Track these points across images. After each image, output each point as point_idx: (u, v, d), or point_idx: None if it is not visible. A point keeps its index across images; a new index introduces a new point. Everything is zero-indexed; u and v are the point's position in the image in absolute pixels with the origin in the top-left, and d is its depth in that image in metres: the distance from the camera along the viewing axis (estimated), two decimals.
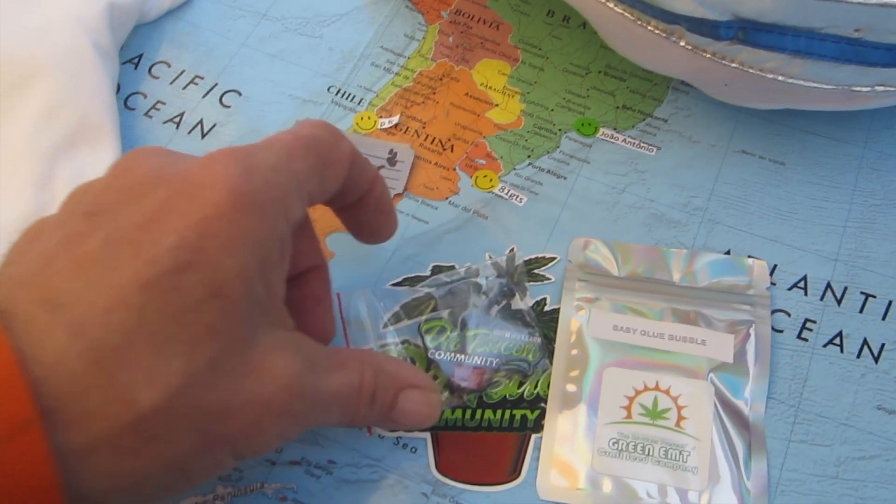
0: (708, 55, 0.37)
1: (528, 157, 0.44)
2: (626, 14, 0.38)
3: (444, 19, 0.49)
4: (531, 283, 0.40)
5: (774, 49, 0.35)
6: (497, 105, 0.46)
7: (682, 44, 0.38)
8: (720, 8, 0.34)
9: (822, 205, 0.42)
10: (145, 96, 0.46)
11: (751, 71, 0.37)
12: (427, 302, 0.38)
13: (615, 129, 0.45)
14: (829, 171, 0.43)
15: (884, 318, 0.39)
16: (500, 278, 0.39)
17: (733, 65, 0.37)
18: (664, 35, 0.38)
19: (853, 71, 0.36)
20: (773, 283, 0.40)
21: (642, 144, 0.44)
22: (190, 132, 0.45)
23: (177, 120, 0.45)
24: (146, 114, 0.45)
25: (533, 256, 0.41)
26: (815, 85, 0.37)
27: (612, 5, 0.38)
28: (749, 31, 0.35)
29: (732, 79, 0.38)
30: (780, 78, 0.37)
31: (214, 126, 0.45)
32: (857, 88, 0.37)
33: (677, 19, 0.36)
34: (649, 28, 0.38)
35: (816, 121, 0.45)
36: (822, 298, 0.40)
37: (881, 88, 0.37)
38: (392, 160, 0.43)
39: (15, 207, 0.39)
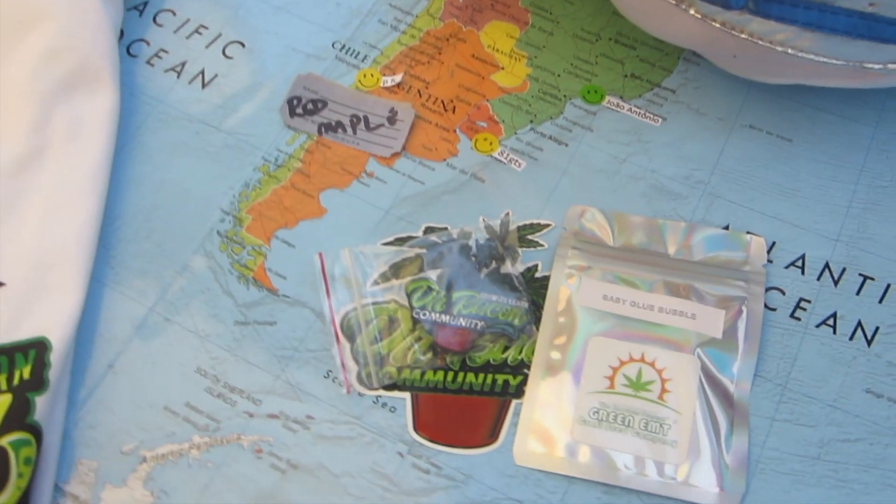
0: (717, 24, 0.36)
1: (531, 122, 0.43)
2: None
3: None
4: (524, 249, 0.39)
5: (785, 21, 0.34)
6: (503, 68, 0.45)
7: (692, 12, 0.37)
8: None
9: (828, 184, 0.41)
10: (148, 44, 0.46)
11: (760, 43, 0.36)
12: (415, 262, 0.38)
13: (622, 97, 0.44)
14: (838, 149, 0.42)
15: (881, 301, 0.38)
16: (492, 242, 0.39)
17: (742, 35, 0.36)
18: (674, 2, 0.37)
19: (865, 47, 0.34)
20: (770, 261, 0.39)
21: (648, 114, 0.43)
22: (191, 82, 0.44)
23: (178, 69, 0.45)
24: (148, 62, 0.45)
25: (528, 222, 0.40)
26: (826, 60, 0.35)
27: None
28: (760, 1, 0.34)
29: (741, 50, 0.37)
30: (789, 51, 0.35)
31: (216, 77, 0.45)
32: (869, 65, 0.36)
33: None
34: None
35: (828, 98, 0.44)
36: (818, 278, 0.39)
37: (893, 66, 0.35)
38: (392, 119, 0.43)
39: (11, 149, 0.39)
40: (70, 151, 0.40)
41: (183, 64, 0.45)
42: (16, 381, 0.34)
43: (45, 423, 0.34)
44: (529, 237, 0.40)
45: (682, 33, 0.39)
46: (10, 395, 0.34)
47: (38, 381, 0.35)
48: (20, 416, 0.34)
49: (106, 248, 0.40)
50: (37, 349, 0.35)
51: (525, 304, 0.37)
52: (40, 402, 0.34)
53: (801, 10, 0.34)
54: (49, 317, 0.36)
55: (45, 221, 0.38)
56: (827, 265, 0.39)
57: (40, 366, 0.35)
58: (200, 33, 0.46)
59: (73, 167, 0.40)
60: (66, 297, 0.37)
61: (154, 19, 0.46)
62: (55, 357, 0.35)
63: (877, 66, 0.36)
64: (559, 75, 0.45)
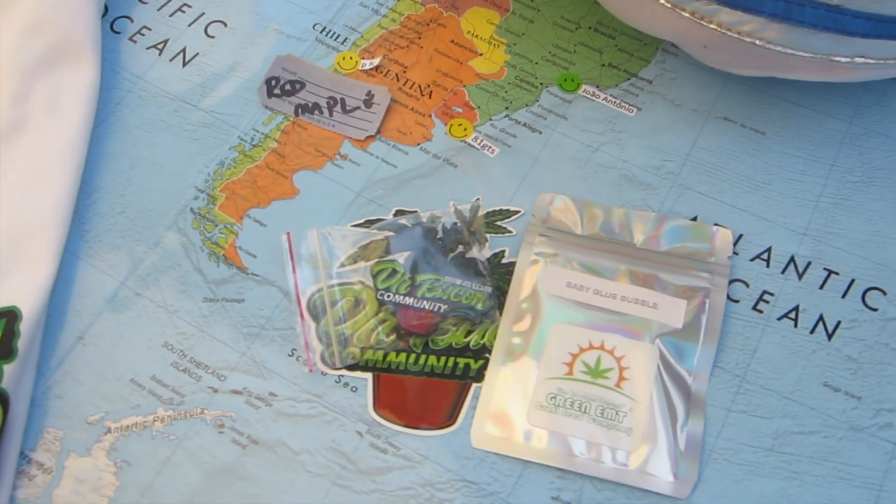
0: (687, 14, 0.36)
1: (506, 108, 0.44)
2: None
3: None
4: (492, 235, 0.40)
5: (752, 11, 0.34)
6: (481, 54, 0.45)
7: (662, 1, 0.37)
8: None
9: (798, 178, 0.41)
10: (132, 20, 0.46)
11: (729, 33, 0.36)
12: (383, 244, 0.38)
13: (598, 86, 0.44)
14: (810, 144, 0.42)
15: (844, 296, 0.39)
16: (459, 226, 0.39)
17: (711, 26, 0.36)
18: None
19: (832, 40, 0.34)
20: (735, 253, 0.40)
21: (623, 104, 0.44)
22: (172, 59, 0.45)
23: (160, 46, 0.45)
24: (131, 38, 0.45)
25: (497, 208, 0.41)
26: (793, 52, 0.35)
27: None
28: None
29: (711, 41, 0.37)
30: (757, 42, 0.36)
31: (197, 55, 0.45)
32: (837, 58, 0.36)
33: None
34: None
35: (804, 92, 0.44)
36: (783, 272, 0.39)
37: (861, 60, 0.35)
38: (368, 102, 0.43)
39: None
40: (49, 124, 0.41)
41: (165, 42, 0.45)
42: None
43: (12, 390, 0.35)
44: (498, 223, 0.40)
45: (654, 23, 0.39)
46: None
47: (7, 350, 0.35)
48: None
49: (81, 222, 0.40)
50: (7, 318, 0.36)
51: (489, 289, 0.38)
52: (8, 370, 0.35)
53: (768, 0, 0.34)
54: (21, 287, 0.37)
55: (21, 193, 0.39)
56: (792, 259, 0.39)
57: (10, 335, 0.36)
58: (184, 11, 0.46)
59: (52, 140, 0.40)
60: (39, 269, 0.38)
61: None
62: (25, 327, 0.36)
63: (844, 60, 0.36)
64: (537, 63, 0.45)
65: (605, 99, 0.44)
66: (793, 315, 0.38)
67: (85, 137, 0.41)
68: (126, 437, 0.36)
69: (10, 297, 0.36)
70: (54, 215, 0.39)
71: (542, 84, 0.44)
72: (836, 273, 0.39)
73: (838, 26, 0.34)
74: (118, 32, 0.46)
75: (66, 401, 0.36)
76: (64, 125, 0.41)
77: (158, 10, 0.46)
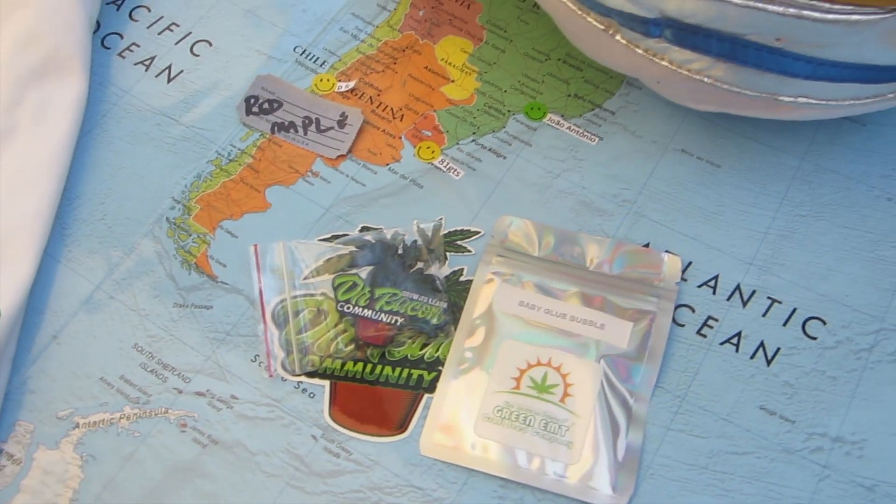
0: (640, 51, 0.38)
1: (474, 133, 0.46)
2: (568, 3, 0.39)
3: None
4: (452, 254, 0.42)
5: (699, 51, 0.36)
6: (453, 81, 0.47)
7: (618, 38, 0.39)
8: (646, 5, 0.35)
9: (749, 210, 0.43)
10: (122, 37, 0.48)
11: (679, 71, 0.38)
12: (347, 258, 0.40)
13: (563, 115, 0.46)
14: (763, 178, 0.44)
15: (784, 324, 0.40)
16: (419, 244, 0.41)
17: (663, 63, 0.38)
18: (602, 27, 0.39)
19: (776, 80, 0.36)
20: (684, 279, 0.41)
21: (586, 133, 0.46)
22: (157, 76, 0.47)
23: (147, 63, 0.47)
24: (119, 54, 0.48)
25: (458, 228, 0.43)
26: (739, 90, 0.38)
27: None
28: (676, 31, 0.36)
29: (664, 77, 0.39)
30: (706, 80, 0.38)
31: (181, 72, 0.47)
32: (781, 98, 0.38)
33: (610, 13, 0.37)
34: (588, 20, 0.39)
35: (759, 129, 0.46)
36: (728, 299, 0.41)
37: (804, 100, 0.37)
38: (342, 122, 0.45)
39: None
40: (36, 133, 0.43)
41: (152, 58, 0.48)
42: None
43: None
44: (459, 242, 0.42)
45: (612, 58, 0.41)
46: None
47: None
48: None
49: (62, 227, 0.42)
50: None
51: (444, 305, 0.39)
52: None
53: (714, 41, 0.36)
54: (0, 286, 0.39)
55: (6, 196, 0.41)
56: (738, 287, 0.41)
57: None
58: (172, 30, 0.49)
59: (38, 148, 0.43)
60: (19, 269, 0.40)
61: (130, 14, 0.49)
62: (2, 323, 0.38)
63: (788, 99, 0.38)
64: (506, 91, 0.47)
65: (569, 128, 0.46)
66: (735, 340, 0.40)
67: (70, 147, 0.43)
68: (93, 433, 0.37)
69: None
70: (36, 219, 0.41)
71: (509, 111, 0.46)
72: (780, 302, 0.41)
73: (780, 67, 0.36)
74: (108, 48, 0.48)
75: (39, 396, 0.38)
76: (50, 134, 0.43)
77: (148, 27, 0.49)
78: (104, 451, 0.37)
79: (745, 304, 0.41)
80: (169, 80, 0.47)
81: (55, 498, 0.36)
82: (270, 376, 0.38)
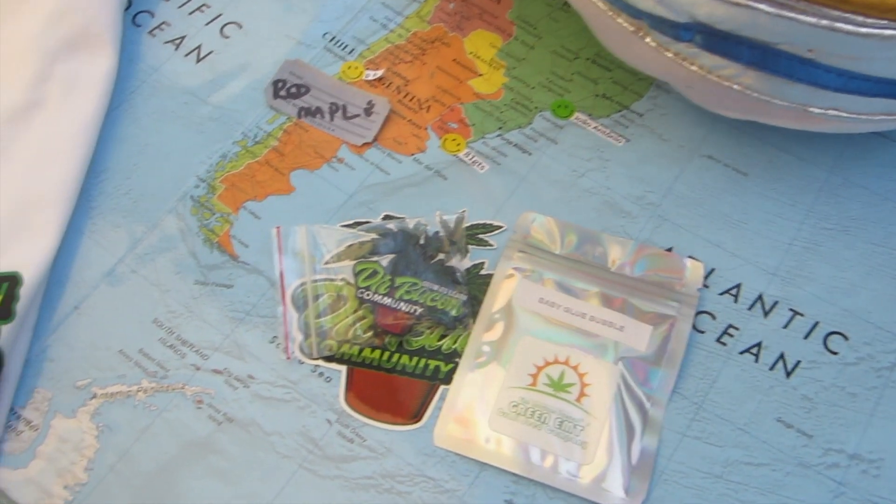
0: (670, 55, 0.38)
1: (500, 128, 0.46)
2: (598, 3, 0.39)
3: None
4: (474, 247, 0.42)
5: (729, 57, 0.36)
6: (481, 75, 0.47)
7: (648, 40, 0.39)
8: (677, 9, 0.35)
9: (774, 220, 0.43)
10: (153, 15, 0.48)
11: (709, 76, 0.38)
12: (368, 245, 0.40)
13: (590, 115, 0.46)
14: (790, 188, 0.44)
15: (806, 337, 0.40)
16: (442, 235, 0.41)
17: (693, 68, 0.38)
18: (632, 30, 0.39)
19: (806, 91, 0.36)
20: (705, 286, 0.41)
21: (612, 134, 0.45)
22: (187, 55, 0.47)
23: (177, 42, 0.47)
24: (150, 32, 0.48)
25: (481, 222, 0.42)
26: (769, 99, 0.37)
27: None
28: (707, 36, 0.36)
29: (693, 82, 0.39)
30: (735, 87, 0.37)
31: (210, 53, 0.47)
32: (811, 109, 0.37)
33: (641, 15, 0.37)
34: (619, 21, 0.39)
35: (788, 139, 0.45)
36: (750, 308, 0.41)
37: (834, 112, 0.37)
38: (368, 110, 0.45)
39: (11, 97, 0.42)
40: (65, 106, 0.43)
41: (182, 38, 0.48)
42: None
43: (8, 349, 0.37)
44: (480, 236, 0.42)
45: (642, 60, 0.41)
46: None
47: (6, 311, 0.37)
48: None
49: (87, 200, 0.42)
50: (9, 282, 0.38)
51: (464, 297, 0.39)
52: (5, 329, 0.37)
53: (745, 48, 0.35)
54: (25, 254, 0.39)
55: (33, 167, 0.41)
56: (760, 297, 0.41)
57: (10, 298, 0.38)
58: (203, 11, 0.49)
59: (66, 121, 0.43)
60: (43, 239, 0.40)
61: None
62: (25, 291, 0.38)
63: (818, 111, 0.37)
64: (533, 88, 0.47)
65: (596, 128, 0.46)
66: (755, 350, 0.40)
67: (97, 121, 0.43)
68: (110, 404, 0.37)
69: (14, 263, 0.39)
70: (62, 191, 0.41)
71: (536, 108, 0.46)
72: (801, 315, 0.41)
73: (811, 78, 0.35)
74: (139, 26, 0.48)
75: (58, 364, 0.38)
76: (79, 108, 0.43)
77: (179, 7, 0.49)
78: (120, 423, 0.37)
79: (766, 314, 0.41)
80: (198, 60, 0.47)
81: (70, 465, 0.36)
82: (288, 358, 0.38)
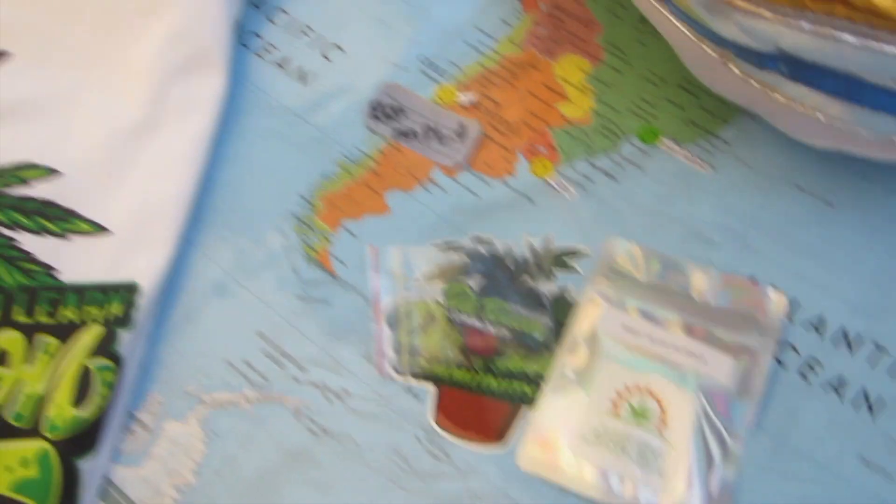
0: (754, 83, 0.39)
1: (587, 153, 0.47)
2: (684, 30, 0.39)
3: (540, 10, 0.51)
4: (559, 271, 0.43)
5: (814, 87, 0.36)
6: (570, 100, 0.48)
7: (732, 68, 0.39)
8: (762, 38, 0.35)
9: (861, 253, 0.43)
10: (260, 37, 0.51)
11: (794, 105, 0.38)
12: (458, 266, 0.42)
13: (677, 141, 0.47)
14: (879, 221, 0.44)
15: (893, 376, 0.40)
16: (530, 259, 0.42)
17: (777, 96, 0.38)
18: (717, 57, 0.39)
19: (892, 121, 0.36)
20: (788, 318, 0.42)
21: (698, 161, 0.46)
22: (291, 76, 0.50)
23: (283, 64, 0.50)
24: (257, 53, 0.50)
25: (567, 247, 0.44)
26: (855, 129, 0.37)
27: (673, 20, 0.40)
28: (791, 66, 0.36)
29: (777, 110, 0.39)
30: (820, 116, 0.37)
31: (313, 75, 0.50)
32: None
33: (725, 43, 0.37)
34: (704, 48, 0.39)
35: (878, 170, 0.45)
36: (833, 342, 0.41)
37: None
38: (460, 133, 0.47)
39: (130, 116, 0.46)
40: (180, 126, 0.46)
41: (287, 60, 0.50)
42: (109, 315, 0.41)
43: (126, 355, 0.40)
44: (566, 261, 0.43)
45: (726, 87, 0.41)
46: (102, 326, 0.40)
47: (126, 319, 0.41)
48: (107, 346, 0.40)
49: (198, 214, 0.46)
50: (129, 291, 0.41)
51: (549, 322, 0.41)
52: (125, 336, 0.40)
53: (830, 78, 0.35)
54: (143, 265, 0.42)
55: (150, 183, 0.45)
56: (845, 331, 0.41)
57: (129, 306, 0.41)
58: (306, 34, 0.51)
59: (180, 139, 0.46)
60: (159, 251, 0.43)
61: (268, 16, 0.52)
62: (143, 301, 0.41)
63: None
64: (621, 113, 0.48)
65: (683, 155, 0.46)
66: (838, 386, 0.40)
67: (209, 139, 0.46)
68: (216, 411, 0.41)
69: (134, 274, 0.42)
70: (176, 205, 0.44)
71: (623, 133, 0.47)
72: (887, 351, 0.41)
73: None
74: (247, 46, 0.51)
75: (170, 370, 0.42)
76: (193, 127, 0.46)
77: (285, 30, 0.51)
78: (226, 429, 0.40)
79: (851, 349, 0.41)
80: (302, 82, 0.49)
81: (180, 468, 0.39)
82: (381, 375, 0.41)
